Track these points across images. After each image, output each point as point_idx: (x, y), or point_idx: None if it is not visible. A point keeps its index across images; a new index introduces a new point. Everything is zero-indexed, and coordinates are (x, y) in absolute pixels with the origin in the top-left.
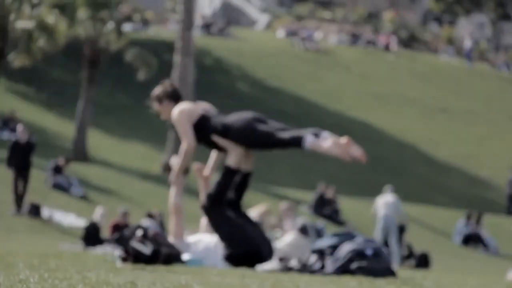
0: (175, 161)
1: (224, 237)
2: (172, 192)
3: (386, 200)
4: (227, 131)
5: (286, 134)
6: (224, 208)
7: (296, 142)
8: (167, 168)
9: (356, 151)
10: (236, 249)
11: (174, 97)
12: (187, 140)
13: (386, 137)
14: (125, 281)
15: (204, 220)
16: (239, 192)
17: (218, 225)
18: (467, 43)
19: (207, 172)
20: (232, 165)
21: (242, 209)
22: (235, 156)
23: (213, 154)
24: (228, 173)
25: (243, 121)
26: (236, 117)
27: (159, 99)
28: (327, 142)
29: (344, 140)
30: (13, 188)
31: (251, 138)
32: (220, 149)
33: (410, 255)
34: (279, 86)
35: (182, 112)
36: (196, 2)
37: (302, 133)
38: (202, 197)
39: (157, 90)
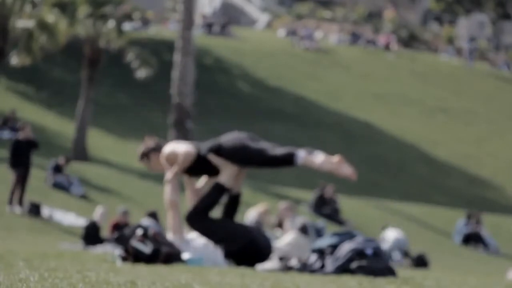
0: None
1: (218, 240)
2: (167, 189)
3: (398, 233)
4: (220, 149)
5: (278, 151)
6: (209, 216)
7: (289, 159)
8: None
9: (347, 170)
10: (234, 246)
11: (159, 148)
12: (186, 148)
13: (386, 137)
14: (125, 280)
15: None
16: (229, 215)
17: (207, 231)
18: (464, 44)
19: (198, 185)
20: (222, 182)
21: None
22: (227, 174)
23: (204, 178)
24: (217, 189)
25: (235, 139)
26: (228, 136)
27: (146, 155)
28: (320, 158)
29: (336, 158)
30: (14, 187)
31: (243, 155)
32: (215, 172)
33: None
34: (279, 85)
35: (170, 145)
36: (196, 1)
37: (294, 150)
38: (189, 203)
39: (141, 149)
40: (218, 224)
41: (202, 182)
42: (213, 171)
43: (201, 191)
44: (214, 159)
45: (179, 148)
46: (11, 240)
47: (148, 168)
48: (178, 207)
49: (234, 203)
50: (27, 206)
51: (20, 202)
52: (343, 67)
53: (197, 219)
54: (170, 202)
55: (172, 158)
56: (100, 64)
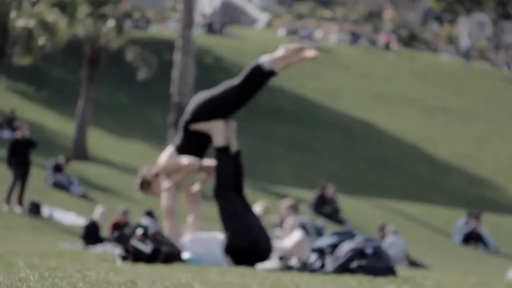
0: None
1: (229, 227)
2: (164, 195)
3: (396, 238)
4: (195, 115)
5: (242, 76)
6: (233, 195)
7: (257, 71)
8: None
9: (310, 53)
10: (238, 243)
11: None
12: (189, 159)
13: (386, 137)
14: (125, 279)
15: (190, 218)
16: (237, 175)
17: (225, 215)
18: (465, 43)
19: (196, 188)
20: (220, 143)
21: (245, 197)
22: (218, 133)
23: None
24: (220, 153)
25: (200, 98)
26: (192, 102)
27: (147, 182)
28: (281, 51)
29: (294, 46)
30: (11, 185)
31: (219, 102)
32: (206, 141)
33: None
34: (279, 85)
35: (163, 157)
36: (196, 0)
37: (255, 63)
38: (187, 207)
39: (139, 180)
40: (235, 214)
41: (197, 187)
42: (206, 138)
43: (197, 196)
44: (198, 126)
45: (182, 160)
46: (11, 240)
47: (149, 194)
48: (175, 215)
49: (237, 163)
50: (27, 206)
51: (20, 202)
52: (343, 66)
53: (224, 194)
54: (167, 210)
55: (171, 170)
56: (100, 63)
